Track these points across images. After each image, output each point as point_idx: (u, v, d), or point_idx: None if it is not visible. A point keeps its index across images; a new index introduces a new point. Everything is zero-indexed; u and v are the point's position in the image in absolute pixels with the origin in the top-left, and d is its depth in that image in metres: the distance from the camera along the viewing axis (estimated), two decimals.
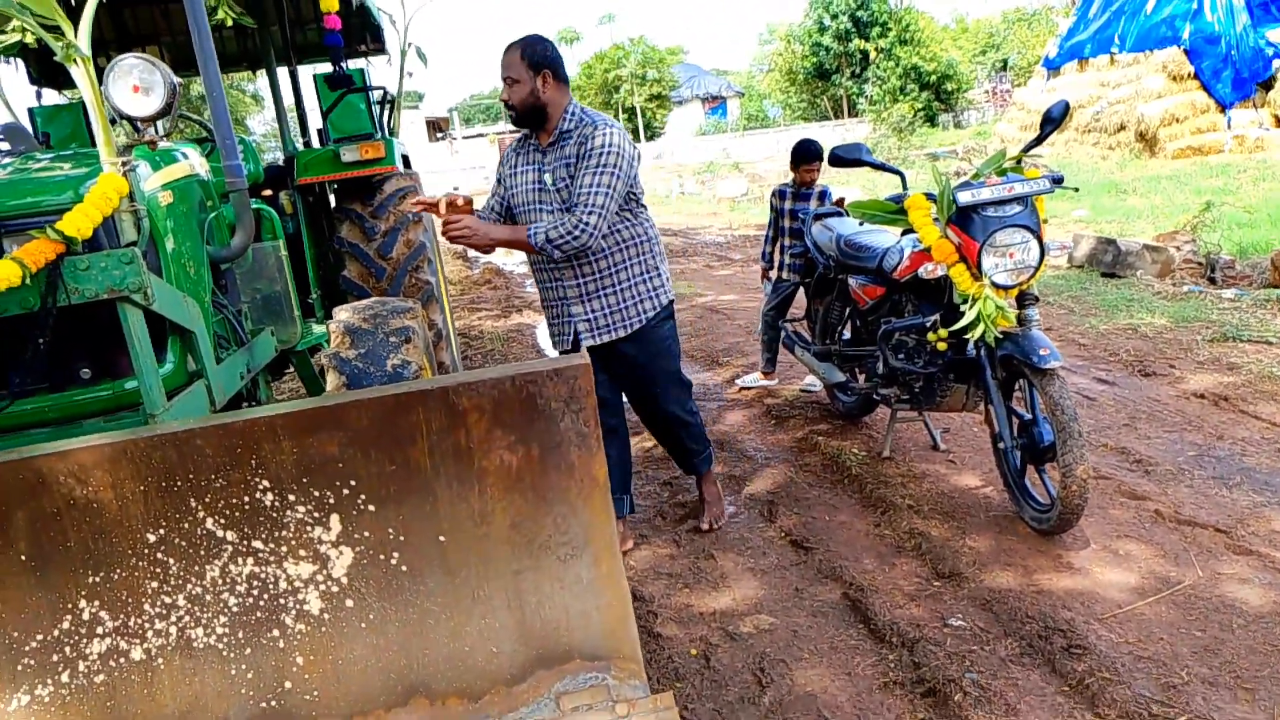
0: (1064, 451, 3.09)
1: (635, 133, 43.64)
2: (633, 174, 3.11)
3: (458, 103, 64.35)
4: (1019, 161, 3.46)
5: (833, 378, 4.43)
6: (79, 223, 2.32)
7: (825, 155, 5.00)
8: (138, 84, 2.59)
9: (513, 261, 13.27)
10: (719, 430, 4.87)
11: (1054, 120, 3.45)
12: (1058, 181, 3.38)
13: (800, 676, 2.67)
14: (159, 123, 2.69)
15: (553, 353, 7.07)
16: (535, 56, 3.05)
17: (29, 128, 4.48)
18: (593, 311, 3.23)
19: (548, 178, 3.14)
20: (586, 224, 2.99)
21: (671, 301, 3.39)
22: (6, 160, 2.90)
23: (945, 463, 4.10)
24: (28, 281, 2.28)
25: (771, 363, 5.50)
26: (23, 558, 1.99)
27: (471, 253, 14.83)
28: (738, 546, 3.55)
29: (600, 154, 3.01)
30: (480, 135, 44.73)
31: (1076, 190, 3.75)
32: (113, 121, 2.64)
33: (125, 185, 2.49)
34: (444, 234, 3.03)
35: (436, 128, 44.84)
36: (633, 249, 3.22)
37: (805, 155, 5.15)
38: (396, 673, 2.08)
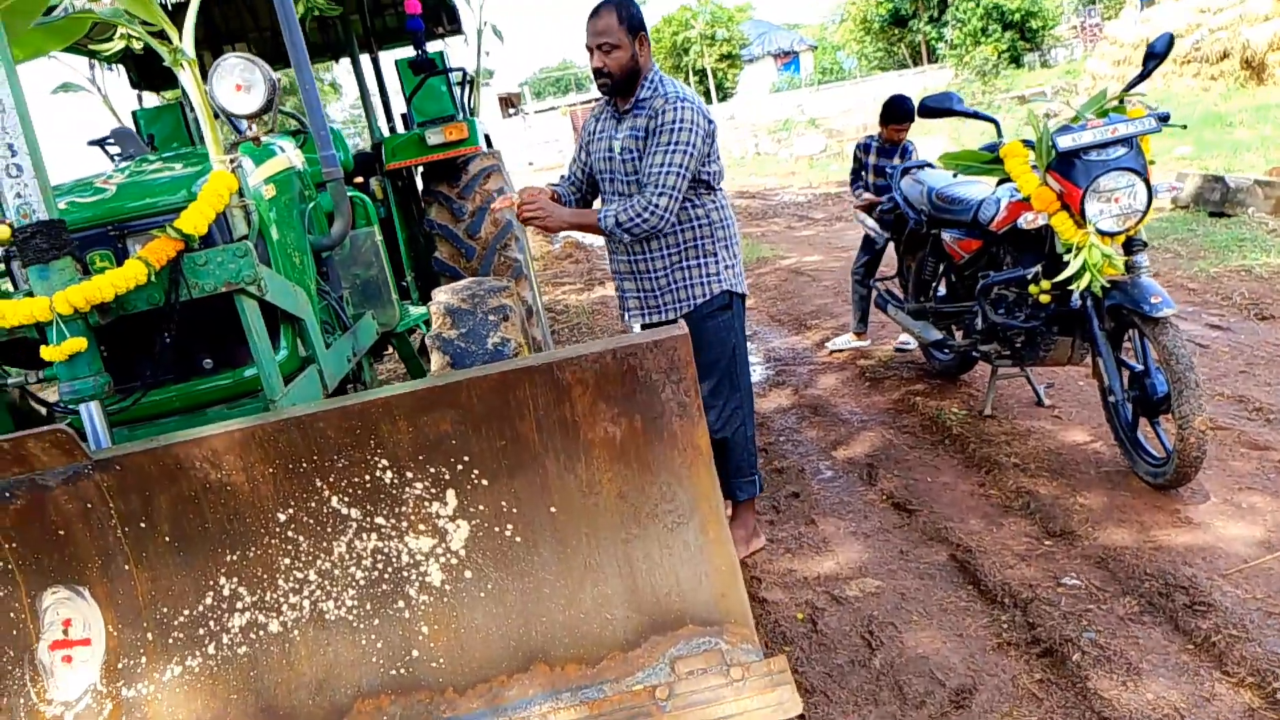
0: (1180, 402, 2.98)
1: (706, 94, 43.08)
2: (708, 151, 2.94)
3: (528, 77, 64.59)
4: (1121, 101, 3.31)
5: (929, 336, 4.34)
6: (195, 221, 2.44)
7: (913, 115, 4.89)
8: (240, 82, 2.69)
9: (589, 235, 13.34)
10: (811, 395, 4.84)
11: (1158, 55, 3.29)
12: (1164, 120, 3.22)
13: (910, 639, 2.66)
14: (261, 119, 2.78)
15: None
16: (632, 19, 2.89)
17: (133, 130, 4.70)
18: (641, 290, 3.10)
19: (616, 145, 3.01)
20: (656, 205, 2.84)
21: (730, 292, 3.06)
22: (123, 164, 3.05)
23: (1051, 418, 3.99)
24: (152, 279, 2.41)
25: (863, 322, 5.42)
26: (167, 539, 2.13)
27: None
28: (838, 510, 3.54)
29: (672, 130, 2.84)
30: (552, 108, 44.84)
31: (1184, 128, 3.56)
32: (217, 118, 2.75)
33: (235, 182, 2.59)
34: (519, 216, 2.96)
35: (509, 103, 45.13)
36: (688, 231, 3.00)
37: (896, 113, 5.03)
38: (516, 640, 2.15)
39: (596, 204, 3.19)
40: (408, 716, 2.12)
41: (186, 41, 2.54)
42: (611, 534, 2.18)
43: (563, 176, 3.30)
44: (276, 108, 2.80)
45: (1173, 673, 2.34)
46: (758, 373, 5.40)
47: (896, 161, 4.99)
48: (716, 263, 3.04)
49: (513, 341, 2.96)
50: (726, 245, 3.07)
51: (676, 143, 2.85)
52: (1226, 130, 11.92)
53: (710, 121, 2.93)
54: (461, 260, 4.70)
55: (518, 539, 2.16)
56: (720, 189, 3.09)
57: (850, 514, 3.49)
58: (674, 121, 2.85)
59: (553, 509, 2.16)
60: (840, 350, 5.46)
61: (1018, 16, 32.87)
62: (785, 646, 2.71)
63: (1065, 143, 3.13)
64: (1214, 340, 4.59)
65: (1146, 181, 3.12)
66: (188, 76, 2.52)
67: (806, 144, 21.76)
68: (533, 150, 35.35)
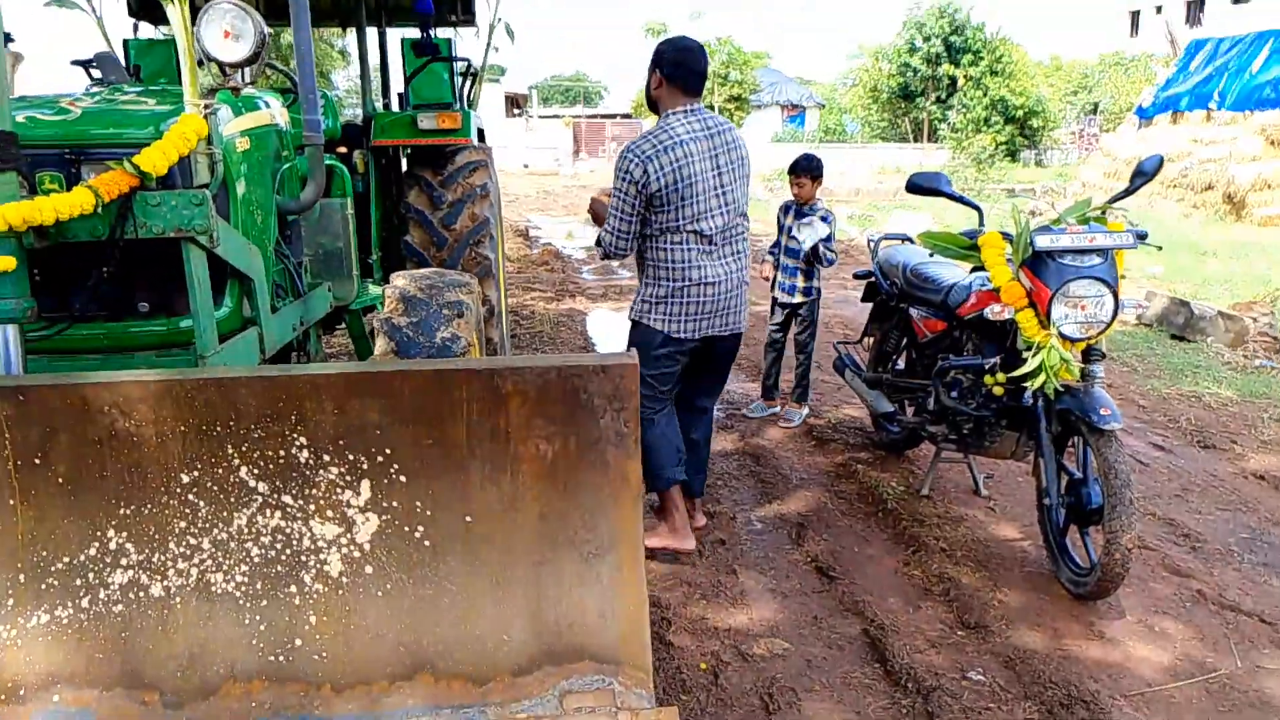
0: (1112, 517, 2.99)
1: None
2: (640, 198, 3.20)
3: (538, 81, 64.66)
4: (1103, 212, 3.35)
5: (880, 407, 4.35)
6: (155, 159, 2.35)
7: (816, 173, 4.88)
8: (229, 29, 2.61)
9: (572, 245, 13.30)
10: (755, 444, 4.81)
11: (1146, 174, 3.34)
12: (1141, 237, 3.26)
13: (809, 708, 2.62)
14: (245, 69, 2.71)
15: (601, 344, 7.06)
16: (653, 55, 3.32)
17: (121, 59, 4.57)
18: None
19: None
20: (601, 238, 3.37)
21: (636, 322, 3.41)
22: (95, 89, 2.94)
23: (985, 509, 3.99)
24: (99, 211, 2.31)
25: (772, 392, 5.29)
26: (60, 480, 2.02)
27: (532, 233, 14.90)
28: (761, 565, 3.50)
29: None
30: (556, 116, 44.90)
31: (1160, 249, 3.62)
32: (200, 64, 2.66)
33: (205, 127, 2.51)
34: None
35: (515, 104, 45.11)
36: (650, 270, 3.37)
37: (798, 166, 4.95)
38: (406, 646, 2.07)
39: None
40: (278, 707, 2.03)
41: None
42: (525, 554, 2.11)
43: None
44: (264, 61, 2.72)
45: None
46: None
47: (806, 231, 4.86)
48: (641, 298, 3.41)
49: (463, 340, 2.90)
50: (656, 284, 3.35)
51: (614, 184, 3.28)
52: (1200, 258, 12.24)
53: (645, 174, 3.17)
54: (432, 248, 4.62)
55: (426, 543, 2.09)
56: (673, 229, 3.27)
57: (772, 570, 3.45)
58: (615, 166, 3.27)
59: (469, 518, 2.09)
60: (754, 417, 5.30)
61: (1021, 113, 33.67)
62: (683, 695, 2.65)
63: (1043, 242, 3.15)
64: (1154, 460, 4.65)
65: (1115, 294, 3.15)
66: (175, 13, 2.44)
67: None
68: (530, 154, 35.29)
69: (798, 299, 5.03)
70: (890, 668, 2.80)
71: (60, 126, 2.53)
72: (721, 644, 2.95)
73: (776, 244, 5.17)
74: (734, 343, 3.54)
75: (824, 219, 4.89)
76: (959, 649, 2.92)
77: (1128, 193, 3.39)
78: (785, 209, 5.11)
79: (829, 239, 4.85)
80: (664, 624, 3.04)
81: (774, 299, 5.19)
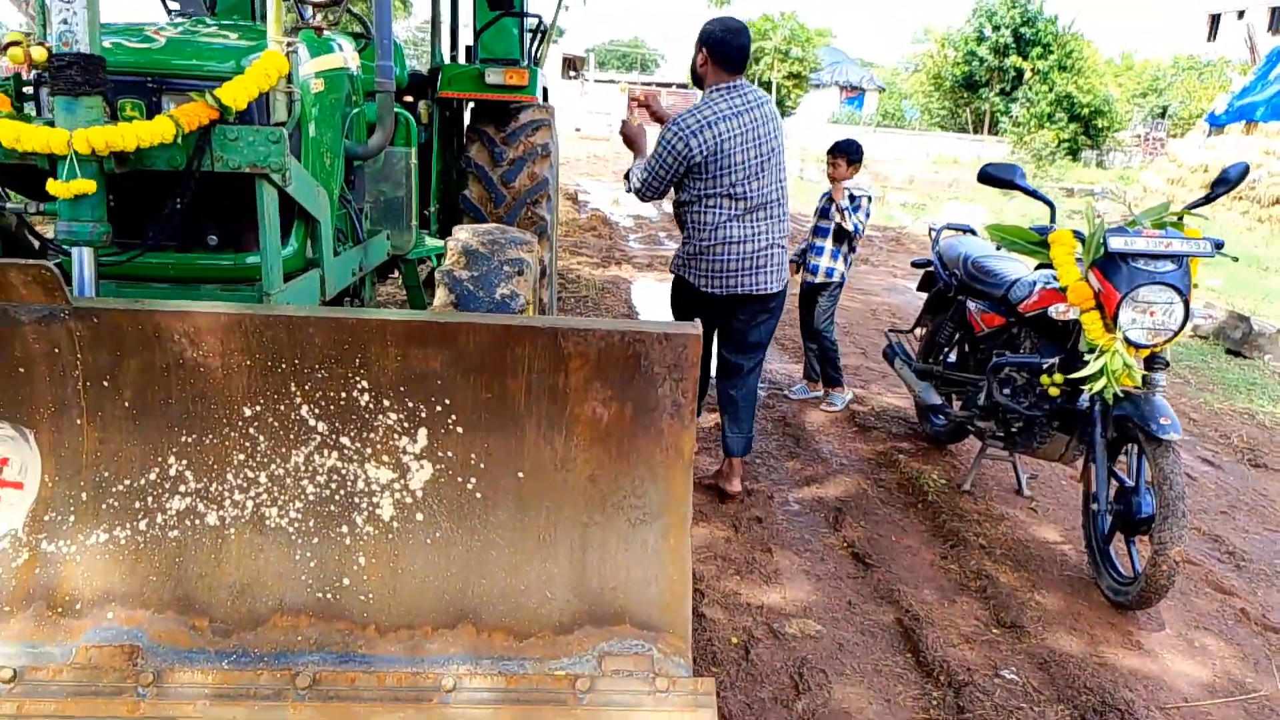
0: (1161, 528, 2.93)
1: None
2: (679, 168, 3.48)
3: (596, 45, 64.23)
4: (1180, 218, 3.26)
5: (929, 398, 4.29)
6: (236, 94, 2.36)
7: (854, 157, 4.82)
8: None
9: (619, 212, 13.25)
10: (797, 426, 4.79)
11: (1229, 181, 3.26)
12: (1218, 246, 3.17)
13: (839, 691, 2.61)
14: (328, 11, 2.70)
15: (645, 313, 7.04)
16: (700, 35, 3.57)
17: None
18: None
19: None
20: (632, 175, 3.72)
21: (683, 280, 3.70)
22: (178, 20, 2.96)
23: (1027, 509, 3.94)
24: (178, 141, 2.33)
25: (812, 370, 5.23)
26: (126, 404, 2.06)
27: (581, 197, 14.85)
28: (796, 546, 3.49)
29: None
30: (612, 81, 44.58)
31: (1236, 260, 3.52)
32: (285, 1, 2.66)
33: (286, 65, 2.51)
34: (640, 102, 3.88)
35: (571, 65, 44.86)
36: (687, 230, 3.64)
37: (834, 148, 4.88)
38: (451, 595, 2.09)
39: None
40: (322, 642, 2.06)
41: None
42: (573, 514, 2.12)
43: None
44: (346, 4, 2.72)
45: None
46: None
47: (834, 217, 4.84)
48: (679, 253, 3.71)
49: (521, 297, 2.90)
50: (691, 242, 3.62)
51: (655, 145, 3.56)
52: (1262, 273, 11.91)
53: (688, 147, 3.44)
54: (489, 205, 4.63)
55: (478, 495, 2.10)
56: (708, 195, 3.53)
57: (808, 552, 3.44)
58: (659, 134, 3.57)
59: (521, 474, 2.11)
60: (797, 399, 5.28)
61: (1086, 111, 32.81)
62: (713, 668, 2.66)
63: (1116, 244, 3.07)
64: (1203, 475, 4.56)
65: (1187, 303, 3.07)
66: None
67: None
68: (583, 118, 35.13)
69: (819, 279, 4.97)
70: (922, 659, 2.79)
71: (145, 55, 2.55)
72: (753, 620, 2.95)
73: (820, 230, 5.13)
74: (765, 303, 3.68)
75: (852, 198, 4.84)
76: (993, 646, 2.90)
77: (1207, 200, 3.30)
78: (827, 195, 5.03)
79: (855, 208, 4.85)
80: (697, 596, 3.04)
81: (802, 282, 5.12)
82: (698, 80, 3.62)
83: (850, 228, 4.81)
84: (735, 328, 3.72)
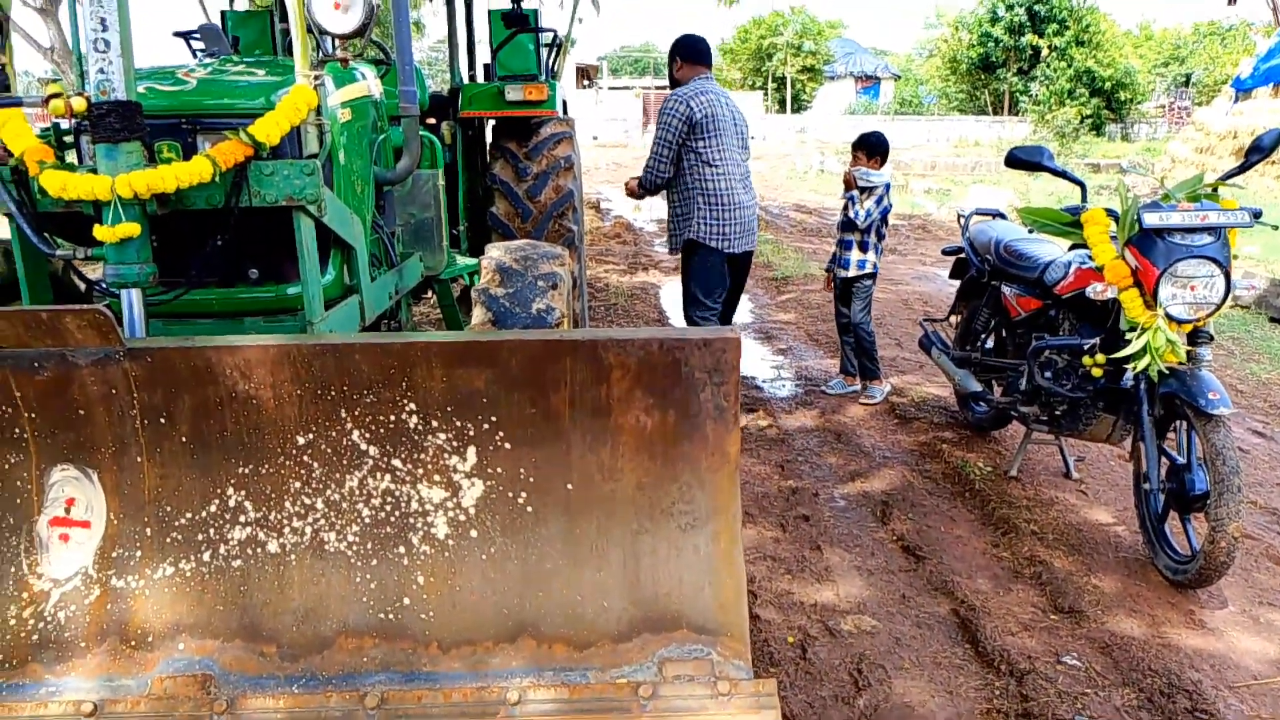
0: (1217, 504, 2.89)
1: (781, 103, 42.77)
2: (687, 131, 4.22)
3: (607, 52, 64.38)
4: (1215, 189, 3.22)
5: (968, 386, 4.26)
6: (270, 129, 2.41)
7: (872, 150, 4.86)
8: (339, 1, 2.66)
9: (642, 218, 13.29)
10: (837, 420, 4.77)
11: (1263, 150, 3.21)
12: (1257, 216, 3.13)
13: (899, 685, 2.61)
14: (352, 41, 2.75)
15: (675, 318, 7.06)
16: (674, 46, 4.49)
17: (221, 29, 4.69)
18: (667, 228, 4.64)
19: None
20: (645, 168, 4.43)
21: (695, 241, 4.35)
22: (206, 60, 3.03)
23: (1076, 492, 3.90)
24: (216, 179, 2.39)
25: (849, 364, 5.21)
26: (183, 440, 2.11)
27: (604, 204, 14.91)
28: (846, 542, 3.48)
29: (657, 119, 4.36)
30: (627, 88, 44.67)
31: (1276, 228, 3.46)
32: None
33: (315, 99, 2.56)
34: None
35: (584, 75, 45.02)
36: (683, 191, 4.36)
37: (858, 141, 4.91)
38: (509, 609, 2.12)
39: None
40: (387, 661, 2.10)
41: None
42: (623, 523, 2.14)
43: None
44: (370, 35, 2.77)
45: None
46: (787, 388, 5.34)
47: (863, 206, 4.84)
48: (689, 220, 4.36)
49: (557, 311, 2.93)
50: (713, 208, 4.30)
51: (656, 127, 4.34)
52: None
53: (689, 108, 4.20)
54: (517, 220, 4.67)
55: (529, 509, 2.13)
56: (714, 164, 4.28)
57: (857, 548, 3.43)
58: (659, 113, 4.33)
59: (570, 486, 2.13)
60: (835, 394, 5.26)
61: (1108, 84, 32.38)
62: (771, 668, 2.67)
63: (1151, 220, 3.04)
64: (1254, 447, 4.48)
65: (1227, 275, 3.03)
66: None
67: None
68: (599, 126, 35.25)
69: (852, 272, 4.95)
70: (982, 649, 2.77)
71: (177, 97, 2.62)
72: (808, 619, 2.95)
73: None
74: (751, 256, 4.65)
75: (862, 189, 4.86)
76: (1053, 633, 2.87)
77: (1241, 169, 3.25)
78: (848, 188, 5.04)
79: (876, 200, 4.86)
80: (750, 597, 3.04)
81: (833, 274, 5.11)
82: (677, 85, 4.42)
83: (851, 215, 4.83)
84: (734, 282, 4.56)
